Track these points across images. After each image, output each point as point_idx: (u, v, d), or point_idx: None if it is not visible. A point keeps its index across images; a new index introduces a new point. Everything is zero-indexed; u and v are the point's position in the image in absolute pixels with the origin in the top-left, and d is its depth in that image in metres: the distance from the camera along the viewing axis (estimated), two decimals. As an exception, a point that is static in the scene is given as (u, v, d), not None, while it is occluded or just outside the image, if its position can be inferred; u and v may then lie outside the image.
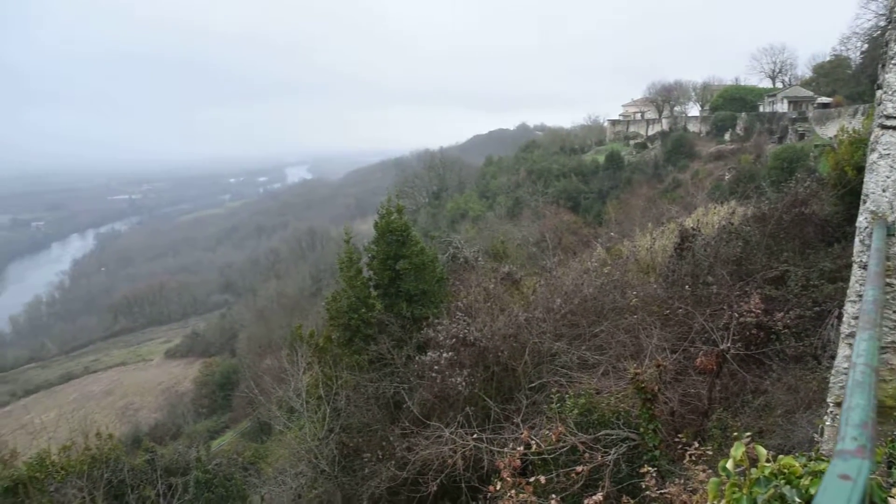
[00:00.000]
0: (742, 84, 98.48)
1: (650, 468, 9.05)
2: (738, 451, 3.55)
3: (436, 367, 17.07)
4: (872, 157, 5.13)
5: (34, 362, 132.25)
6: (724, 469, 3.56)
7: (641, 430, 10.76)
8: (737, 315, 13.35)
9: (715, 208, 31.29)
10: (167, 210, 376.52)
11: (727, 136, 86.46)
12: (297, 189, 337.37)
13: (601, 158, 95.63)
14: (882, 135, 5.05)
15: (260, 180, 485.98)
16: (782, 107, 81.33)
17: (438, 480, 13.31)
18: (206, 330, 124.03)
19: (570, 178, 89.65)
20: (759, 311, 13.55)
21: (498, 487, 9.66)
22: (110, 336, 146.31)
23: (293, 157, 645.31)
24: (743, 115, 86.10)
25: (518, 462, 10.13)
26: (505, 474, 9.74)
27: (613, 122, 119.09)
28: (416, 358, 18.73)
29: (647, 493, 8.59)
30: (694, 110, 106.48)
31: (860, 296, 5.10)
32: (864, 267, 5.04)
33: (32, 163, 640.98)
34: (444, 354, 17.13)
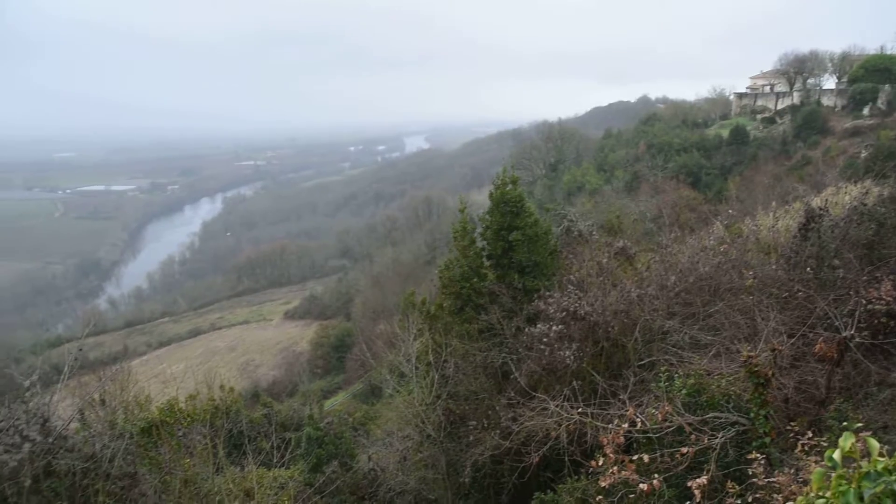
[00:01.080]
0: (888, 53, 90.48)
1: (759, 455, 8.78)
2: (846, 441, 3.40)
3: (545, 340, 17.02)
4: None
5: (167, 317, 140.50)
6: (831, 459, 3.42)
7: (752, 415, 10.41)
8: (864, 301, 12.61)
9: (847, 188, 29.53)
10: (290, 176, 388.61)
11: (866, 111, 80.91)
12: (415, 158, 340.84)
13: (725, 133, 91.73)
14: None
15: (379, 149, 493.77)
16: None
17: (541, 452, 13.36)
18: (324, 293, 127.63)
19: (691, 153, 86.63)
20: (890, 298, 12.76)
21: (600, 463, 9.61)
22: (234, 295, 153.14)
23: (412, 127, 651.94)
24: (886, 87, 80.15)
25: (622, 439, 10.03)
26: (608, 450, 9.67)
27: (740, 96, 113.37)
28: (526, 329, 18.71)
29: (755, 480, 8.35)
30: (829, 83, 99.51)
31: None
32: None
33: (170, 131, 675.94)
34: (554, 327, 17.05)
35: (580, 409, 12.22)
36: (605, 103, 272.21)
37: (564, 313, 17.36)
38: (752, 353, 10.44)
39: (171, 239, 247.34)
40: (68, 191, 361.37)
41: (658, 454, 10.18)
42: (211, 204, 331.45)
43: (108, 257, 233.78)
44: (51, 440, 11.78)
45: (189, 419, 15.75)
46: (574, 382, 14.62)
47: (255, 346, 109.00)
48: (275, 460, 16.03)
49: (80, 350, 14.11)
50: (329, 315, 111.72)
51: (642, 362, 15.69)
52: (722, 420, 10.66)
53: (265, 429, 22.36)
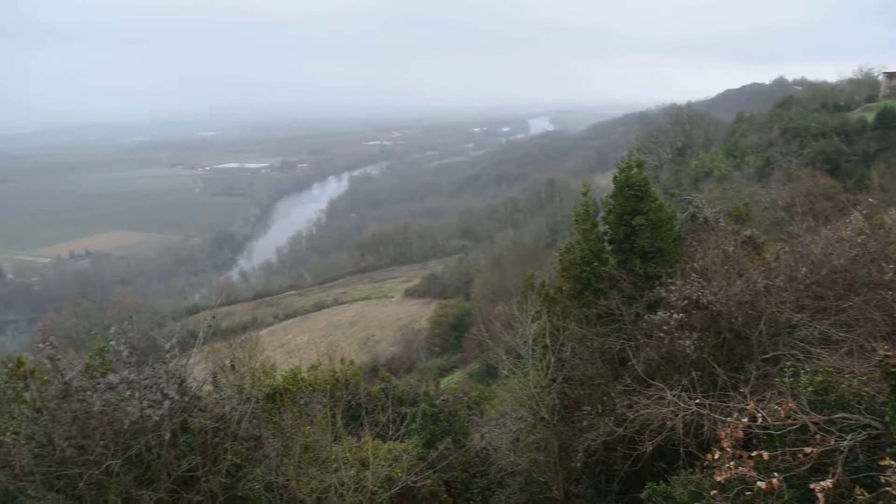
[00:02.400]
0: None
1: (893, 462, 8.31)
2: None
3: (664, 328, 16.66)
4: None
5: (293, 290, 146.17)
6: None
7: (887, 418, 9.80)
8: None
9: None
10: (415, 156, 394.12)
11: None
12: (539, 140, 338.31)
13: (870, 116, 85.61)
14: None
15: (503, 130, 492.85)
16: None
17: (656, 441, 13.13)
18: (444, 273, 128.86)
19: (830, 138, 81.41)
20: None
21: (716, 457, 9.35)
22: (357, 272, 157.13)
23: (537, 109, 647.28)
24: None
25: (741, 433, 9.70)
26: (726, 444, 9.40)
27: (890, 76, 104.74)
28: (645, 316, 18.36)
29: (888, 489, 7.91)
30: None
31: None
32: None
33: (301, 110, 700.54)
34: (675, 315, 16.65)
35: (698, 400, 11.91)
36: (737, 85, 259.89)
37: (686, 301, 16.91)
38: (890, 353, 9.84)
39: (299, 215, 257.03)
40: (207, 168, 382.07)
41: (779, 452, 9.79)
42: (338, 182, 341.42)
43: (241, 232, 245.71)
44: (187, 399, 12.64)
45: (311, 388, 16.42)
46: (693, 373, 14.27)
47: (376, 321, 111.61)
48: (390, 433, 16.50)
49: (214, 318, 15.02)
50: (448, 294, 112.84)
51: (766, 356, 15.10)
52: (852, 422, 10.12)
53: (382, 402, 23.00)
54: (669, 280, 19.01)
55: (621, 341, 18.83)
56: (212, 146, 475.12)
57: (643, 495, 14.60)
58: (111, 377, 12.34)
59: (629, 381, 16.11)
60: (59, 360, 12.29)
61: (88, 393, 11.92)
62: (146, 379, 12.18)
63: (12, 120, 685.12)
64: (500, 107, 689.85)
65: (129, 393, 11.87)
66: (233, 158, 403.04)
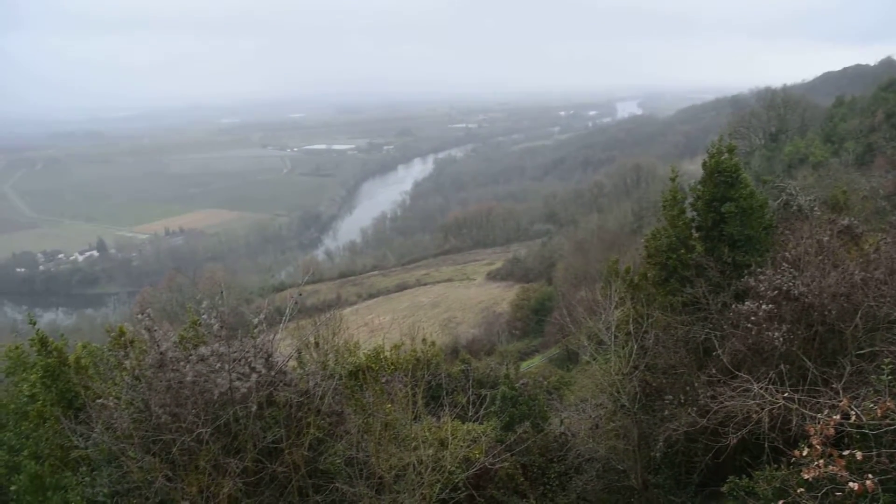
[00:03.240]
0: None
1: None
2: None
3: (752, 318, 16.18)
4: None
5: (377, 270, 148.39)
6: None
7: None
8: None
9: None
10: (500, 139, 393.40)
11: None
12: (626, 124, 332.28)
13: None
14: None
15: (590, 114, 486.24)
16: None
17: (740, 434, 12.81)
18: (527, 256, 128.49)
19: (941, 123, 76.87)
20: None
21: (804, 454, 9.08)
22: (440, 253, 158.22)
23: (624, 93, 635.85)
24: None
25: (832, 431, 9.36)
26: (815, 441, 9.10)
27: None
28: (733, 306, 17.88)
29: None
30: None
31: None
32: None
33: (388, 94, 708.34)
34: (763, 306, 16.14)
35: (786, 394, 11.53)
36: (838, 67, 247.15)
37: (776, 292, 16.37)
38: None
39: (384, 196, 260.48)
40: (296, 149, 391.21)
41: (874, 453, 9.43)
42: (422, 164, 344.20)
43: (327, 212, 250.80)
44: (273, 373, 13.05)
45: (393, 367, 16.70)
46: (781, 365, 13.81)
47: (458, 303, 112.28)
48: (469, 415, 16.62)
49: (301, 295, 15.37)
50: (531, 278, 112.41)
51: (862, 351, 14.49)
52: (954, 423, 9.64)
53: (462, 384, 23.16)
54: (759, 269, 18.43)
55: (706, 331, 18.39)
56: (300, 128, 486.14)
57: (724, 489, 14.29)
58: (203, 349, 12.85)
59: (713, 372, 15.72)
60: (155, 331, 12.89)
61: (182, 364, 12.44)
62: (235, 352, 12.64)
63: (118, 104, 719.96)
64: (587, 91, 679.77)
65: (219, 365, 12.34)
66: (321, 140, 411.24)
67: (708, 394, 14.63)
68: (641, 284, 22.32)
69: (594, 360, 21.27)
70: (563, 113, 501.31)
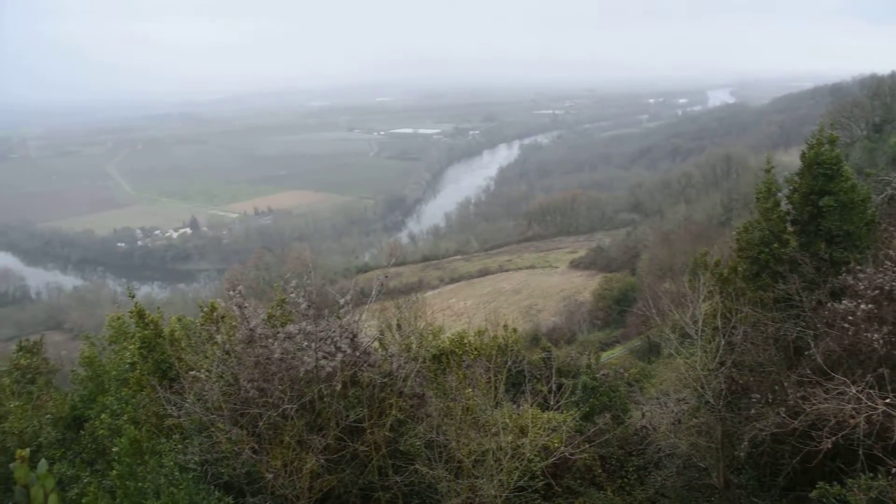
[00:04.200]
0: None
1: None
2: None
3: (849, 318, 15.50)
4: None
5: (459, 255, 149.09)
6: None
7: None
8: None
9: None
10: (586, 126, 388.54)
11: None
12: (718, 113, 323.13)
13: None
14: None
15: (679, 102, 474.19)
16: None
17: (833, 439, 12.33)
18: (611, 246, 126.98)
19: None
20: None
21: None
22: (523, 240, 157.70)
23: (716, 80, 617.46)
24: None
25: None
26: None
27: None
28: (828, 304, 17.17)
29: None
30: None
31: None
32: None
33: (474, 79, 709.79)
34: (863, 305, 15.44)
35: (888, 400, 11.03)
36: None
37: (877, 292, 15.63)
38: None
39: (468, 182, 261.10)
40: (382, 132, 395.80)
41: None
42: (508, 150, 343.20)
43: (412, 195, 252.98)
44: (357, 354, 13.31)
45: (475, 353, 16.75)
46: (881, 369, 13.21)
47: (539, 291, 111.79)
48: (551, 403, 16.53)
49: (386, 278, 15.56)
50: (614, 268, 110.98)
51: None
52: None
53: (542, 372, 23.09)
54: (858, 267, 17.62)
55: (799, 329, 17.75)
56: (387, 112, 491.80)
57: (812, 494, 13.76)
58: (290, 327, 13.19)
59: (805, 372, 15.17)
60: (246, 308, 13.30)
61: (270, 340, 12.81)
62: (321, 331, 12.92)
63: (209, 88, 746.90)
64: (677, 78, 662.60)
65: (305, 343, 12.65)
66: (407, 124, 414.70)
67: (798, 394, 14.14)
68: (731, 278, 21.67)
69: (678, 353, 20.84)
70: (651, 100, 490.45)
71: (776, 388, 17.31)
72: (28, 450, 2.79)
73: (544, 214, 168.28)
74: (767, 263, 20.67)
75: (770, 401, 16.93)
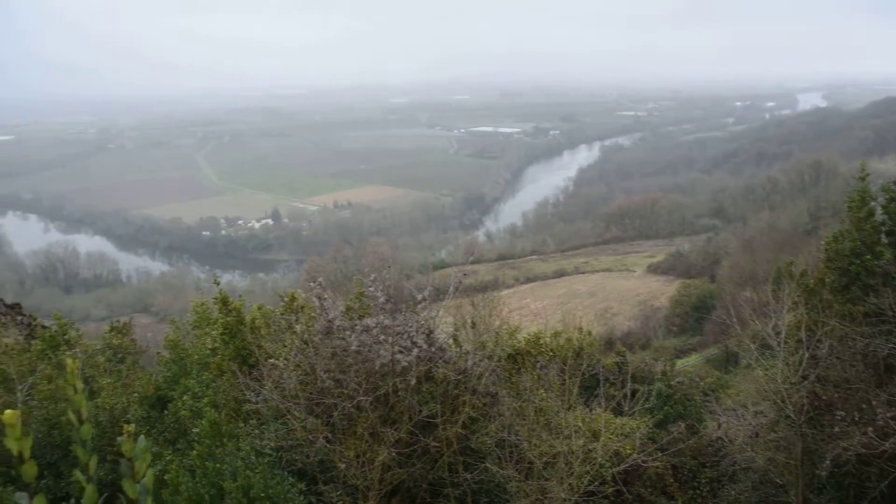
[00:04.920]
0: None
1: None
2: None
3: (945, 337, 14.85)
4: None
5: (535, 255, 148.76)
6: None
7: None
8: None
9: None
10: (669, 129, 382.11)
11: None
12: (807, 117, 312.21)
13: None
14: None
15: (767, 105, 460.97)
16: None
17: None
18: (690, 251, 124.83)
19: None
20: None
21: None
22: (601, 242, 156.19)
23: (807, 83, 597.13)
24: None
25: None
26: None
27: None
28: (924, 321, 16.46)
29: None
30: None
31: None
32: None
33: (554, 78, 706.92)
34: (960, 324, 14.77)
35: None
36: None
37: (977, 310, 14.90)
38: None
39: (547, 181, 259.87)
40: (462, 130, 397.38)
41: None
42: (588, 151, 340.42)
43: (490, 193, 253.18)
44: (433, 350, 13.41)
45: (550, 354, 16.68)
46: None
47: (615, 294, 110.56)
48: (625, 408, 16.32)
49: (465, 275, 15.63)
50: (693, 274, 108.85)
51: None
52: None
53: (616, 377, 22.78)
54: (957, 283, 16.84)
55: (890, 345, 17.04)
56: (465, 109, 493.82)
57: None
58: (368, 320, 13.40)
59: (896, 391, 14.58)
60: (325, 299, 13.57)
61: (347, 332, 13.04)
62: (398, 326, 13.07)
63: (290, 83, 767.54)
64: (765, 80, 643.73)
65: (382, 337, 12.82)
66: (486, 122, 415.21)
67: (889, 415, 13.61)
68: (817, 289, 20.93)
69: (758, 364, 20.27)
70: (738, 103, 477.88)
71: (863, 406, 16.66)
72: (133, 425, 2.94)
73: (623, 217, 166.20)
74: (858, 275, 19.89)
75: (856, 419, 16.31)
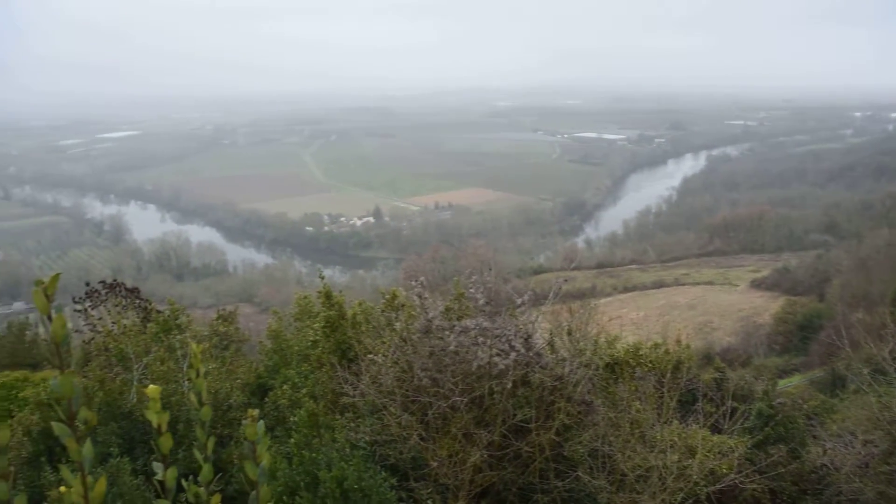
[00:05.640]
0: None
1: None
2: None
3: None
4: None
5: (635, 264, 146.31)
6: None
7: None
8: None
9: None
10: (781, 139, 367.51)
11: None
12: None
13: None
14: None
15: (892, 116, 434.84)
16: None
17: None
18: (798, 268, 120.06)
19: None
20: None
21: None
22: (703, 254, 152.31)
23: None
24: None
25: None
26: None
27: None
28: None
29: None
30: None
31: None
32: None
33: (663, 84, 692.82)
34: None
35: None
36: None
37: None
38: None
39: (650, 190, 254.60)
40: (565, 135, 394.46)
41: None
42: (694, 160, 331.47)
43: (592, 200, 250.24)
44: (531, 355, 13.42)
45: (649, 366, 16.41)
46: None
47: (716, 308, 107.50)
48: (725, 426, 15.86)
49: (566, 281, 15.58)
50: (799, 291, 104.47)
51: None
52: None
53: (714, 393, 22.12)
54: None
55: None
56: (572, 114, 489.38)
57: None
58: (466, 322, 13.51)
59: None
60: (426, 299, 13.78)
61: (446, 333, 13.19)
62: (497, 329, 13.13)
63: (405, 84, 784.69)
64: (891, 88, 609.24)
65: (480, 339, 12.91)
66: (591, 128, 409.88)
67: None
68: (940, 314, 19.82)
69: (870, 390, 19.31)
70: (858, 114, 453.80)
71: None
72: (257, 410, 3.12)
73: (727, 229, 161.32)
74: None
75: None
